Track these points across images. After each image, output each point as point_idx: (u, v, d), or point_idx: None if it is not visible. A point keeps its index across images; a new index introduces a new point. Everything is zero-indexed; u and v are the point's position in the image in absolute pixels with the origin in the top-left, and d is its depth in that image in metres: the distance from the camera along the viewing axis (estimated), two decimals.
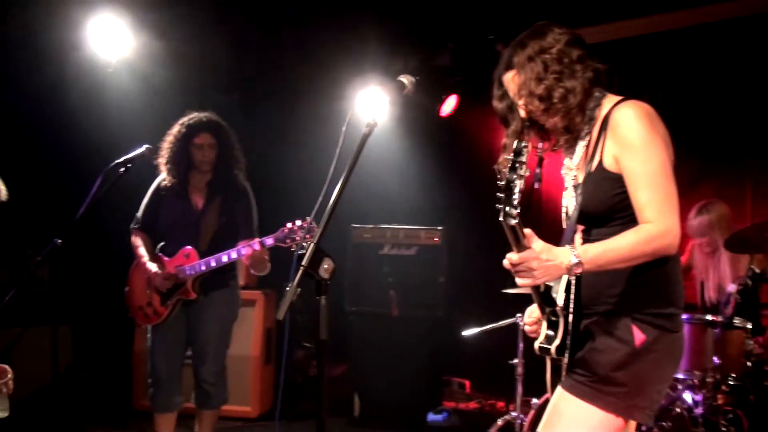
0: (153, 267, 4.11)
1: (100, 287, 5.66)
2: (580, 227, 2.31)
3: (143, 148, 3.91)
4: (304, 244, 3.63)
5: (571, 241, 2.24)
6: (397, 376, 5.36)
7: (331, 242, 5.86)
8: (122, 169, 3.77)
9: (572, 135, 2.26)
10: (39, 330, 5.00)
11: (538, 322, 2.36)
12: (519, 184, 1.95)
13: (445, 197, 5.95)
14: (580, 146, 2.27)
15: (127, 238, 4.33)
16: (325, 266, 2.06)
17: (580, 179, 2.24)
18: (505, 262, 2.05)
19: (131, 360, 5.49)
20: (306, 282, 2.02)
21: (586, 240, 2.26)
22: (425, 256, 5.47)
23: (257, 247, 3.88)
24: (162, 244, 4.26)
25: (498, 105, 2.38)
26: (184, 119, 4.27)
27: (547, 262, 2.02)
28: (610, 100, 2.22)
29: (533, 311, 2.43)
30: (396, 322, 5.43)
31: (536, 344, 2.27)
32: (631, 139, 2.09)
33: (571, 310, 2.17)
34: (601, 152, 2.17)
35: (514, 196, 1.94)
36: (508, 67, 2.29)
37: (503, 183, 1.94)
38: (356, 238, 5.63)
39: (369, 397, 5.47)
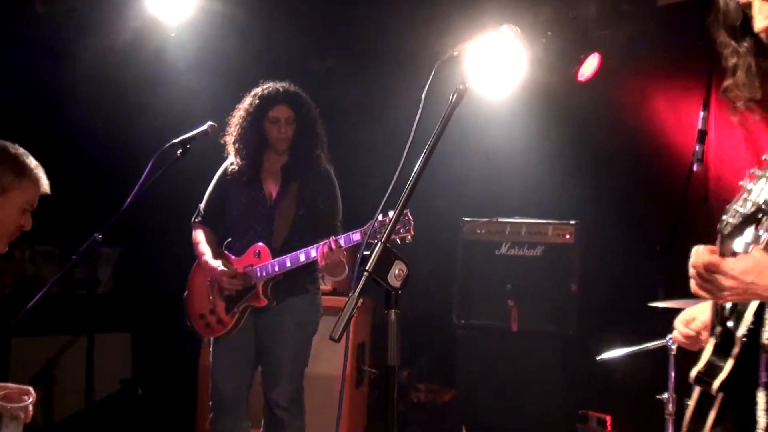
0: (218, 265, 4.16)
1: (166, 290, 5.84)
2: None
3: (206, 126, 3.97)
4: (399, 240, 3.63)
5: None
6: (517, 406, 5.26)
7: (435, 239, 5.82)
8: (180, 151, 3.84)
9: None
10: (102, 338, 5.24)
11: (698, 334, 2.23)
12: None
13: (581, 184, 5.74)
14: None
15: (188, 234, 4.42)
16: (396, 271, 2.00)
17: None
18: (691, 266, 1.88)
19: (197, 376, 5.61)
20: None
21: None
22: (554, 258, 5.35)
23: (332, 245, 3.85)
24: (229, 240, 4.31)
25: (728, 4, 2.13)
26: (257, 89, 4.31)
27: (751, 287, 1.83)
28: None
29: (696, 314, 2.28)
30: (516, 340, 5.33)
31: (694, 371, 2.11)
32: None
33: (764, 341, 1.98)
34: None
35: None
36: None
37: None
38: (468, 235, 5.55)
39: (481, 430, 5.38)
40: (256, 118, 4.24)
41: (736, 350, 2.02)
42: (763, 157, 1.88)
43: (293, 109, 4.24)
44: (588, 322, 5.41)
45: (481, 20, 5.67)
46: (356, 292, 1.95)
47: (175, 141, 3.85)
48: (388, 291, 2.01)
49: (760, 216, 1.80)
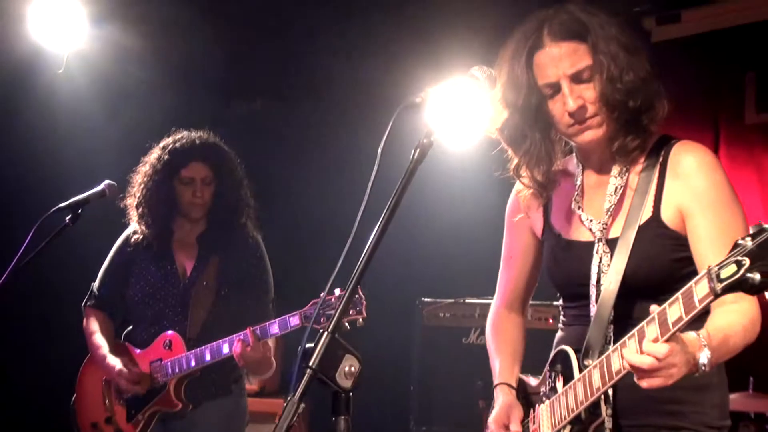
0: (116, 363, 4.10)
1: (51, 394, 5.70)
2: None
3: (103, 185, 3.94)
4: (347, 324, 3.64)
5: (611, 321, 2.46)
6: None
7: (386, 325, 5.78)
8: (69, 217, 3.80)
9: (623, 162, 2.50)
10: None
11: None
12: None
13: None
14: (612, 185, 2.55)
15: (78, 321, 4.36)
16: (347, 368, 2.00)
17: (615, 232, 2.51)
18: (644, 359, 2.11)
19: None
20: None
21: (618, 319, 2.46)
22: (534, 347, 5.34)
23: (248, 339, 3.83)
24: (130, 328, 4.28)
25: (518, 91, 2.50)
26: (168, 141, 4.30)
27: (686, 355, 2.15)
28: (659, 135, 2.55)
29: (506, 415, 2.76)
30: None
31: None
32: (713, 194, 2.40)
33: (605, 415, 2.39)
34: (657, 201, 2.45)
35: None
36: (575, 35, 2.43)
37: None
38: (428, 320, 5.58)
39: None
40: (165, 177, 4.22)
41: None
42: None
43: (212, 167, 4.24)
44: None
45: (447, 62, 5.79)
46: (297, 395, 1.93)
47: (62, 204, 3.82)
48: (337, 393, 2.00)
49: None
